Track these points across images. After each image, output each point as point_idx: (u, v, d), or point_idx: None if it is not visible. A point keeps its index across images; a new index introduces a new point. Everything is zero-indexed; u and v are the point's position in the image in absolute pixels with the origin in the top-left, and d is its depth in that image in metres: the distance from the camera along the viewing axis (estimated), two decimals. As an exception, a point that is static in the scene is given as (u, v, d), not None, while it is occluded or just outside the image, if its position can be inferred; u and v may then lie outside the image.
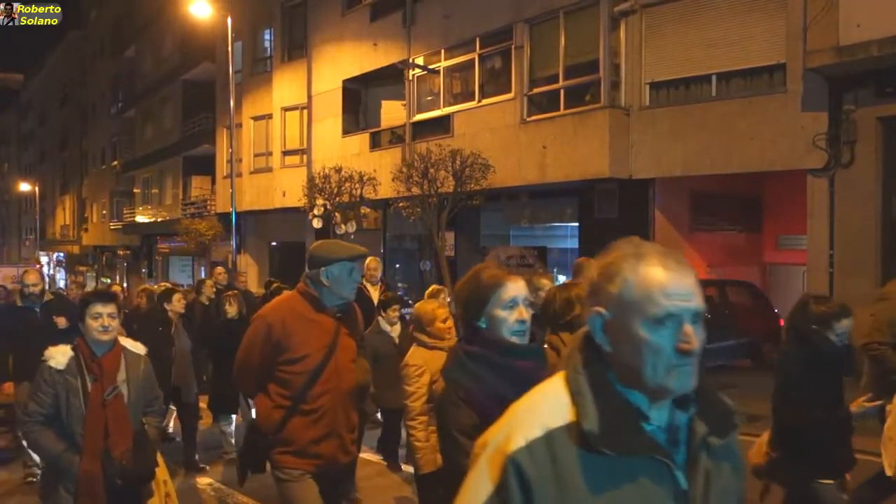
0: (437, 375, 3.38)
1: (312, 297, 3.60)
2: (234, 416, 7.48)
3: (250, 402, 6.51)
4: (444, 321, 4.44)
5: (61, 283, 44.82)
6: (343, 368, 3.60)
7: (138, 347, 3.81)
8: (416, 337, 4.47)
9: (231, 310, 7.17)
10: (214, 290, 9.59)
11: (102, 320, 3.55)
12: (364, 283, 8.08)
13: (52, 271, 50.39)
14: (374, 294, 8.24)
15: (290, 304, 3.65)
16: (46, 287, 7.43)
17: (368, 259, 8.34)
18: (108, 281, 36.50)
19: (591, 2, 13.22)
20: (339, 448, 3.61)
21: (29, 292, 6.67)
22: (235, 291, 8.08)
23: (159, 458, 3.86)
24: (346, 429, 3.66)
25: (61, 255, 51.82)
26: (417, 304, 4.88)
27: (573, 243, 15.21)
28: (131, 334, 6.84)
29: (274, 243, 25.02)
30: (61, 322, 6.40)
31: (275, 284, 9.84)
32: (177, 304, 7.30)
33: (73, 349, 3.58)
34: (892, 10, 9.60)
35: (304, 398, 3.49)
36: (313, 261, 3.63)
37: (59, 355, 3.54)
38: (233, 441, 7.34)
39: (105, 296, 3.70)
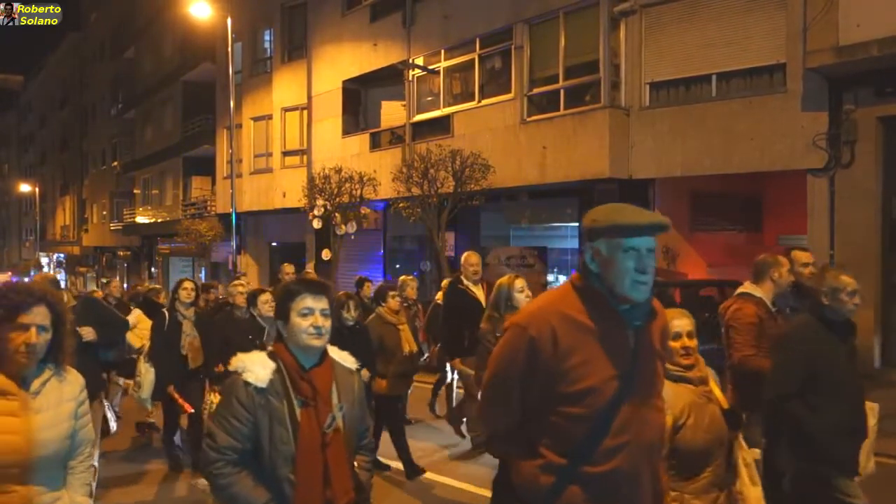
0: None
1: (593, 294, 2.31)
2: None
3: None
4: None
5: (62, 285, 44.80)
6: (646, 410, 2.35)
7: (347, 359, 2.84)
8: None
9: (349, 315, 6.23)
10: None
11: (315, 318, 2.61)
12: (465, 281, 7.34)
13: (52, 272, 50.39)
14: (480, 294, 7.30)
15: (559, 304, 2.35)
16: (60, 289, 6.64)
17: (466, 254, 7.50)
18: (106, 281, 36.49)
19: (591, 2, 13.22)
20: None
21: None
22: (351, 293, 7.27)
23: None
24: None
25: (61, 256, 51.85)
26: None
27: (573, 243, 15.19)
28: (225, 342, 6.26)
29: (274, 244, 25.02)
30: (87, 333, 5.42)
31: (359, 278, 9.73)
32: (265, 308, 6.19)
33: (273, 357, 2.64)
34: (892, 9, 9.60)
35: (588, 456, 2.27)
36: (589, 231, 2.35)
37: (257, 366, 2.58)
38: None
39: (317, 286, 2.70)
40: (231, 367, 2.60)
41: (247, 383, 2.54)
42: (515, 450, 2.41)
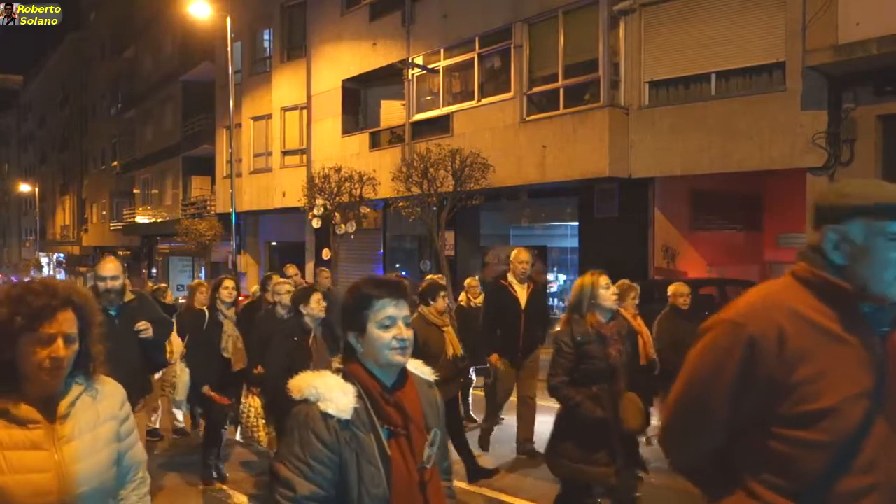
0: None
1: (834, 290, 1.80)
2: None
3: None
4: None
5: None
6: None
7: (422, 369, 2.38)
8: None
9: None
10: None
11: (398, 329, 2.12)
12: (509, 279, 6.99)
13: (51, 272, 50.42)
14: (522, 295, 6.94)
15: (787, 298, 1.82)
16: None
17: (516, 251, 7.20)
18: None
19: (590, 1, 13.22)
20: None
21: (106, 289, 4.81)
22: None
23: None
24: None
25: (61, 255, 51.85)
26: None
27: (573, 242, 15.21)
28: (264, 344, 5.85)
29: (274, 243, 25.02)
30: (145, 328, 4.87)
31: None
32: (316, 308, 5.48)
33: (348, 379, 2.11)
34: (892, 8, 9.60)
35: (826, 495, 1.72)
36: (833, 209, 1.83)
37: (337, 393, 2.05)
38: None
39: (397, 289, 2.20)
40: (299, 394, 2.07)
41: (327, 415, 2.01)
42: (715, 488, 1.86)
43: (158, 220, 31.75)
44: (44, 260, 53.72)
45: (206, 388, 6.36)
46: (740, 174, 12.43)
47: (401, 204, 15.02)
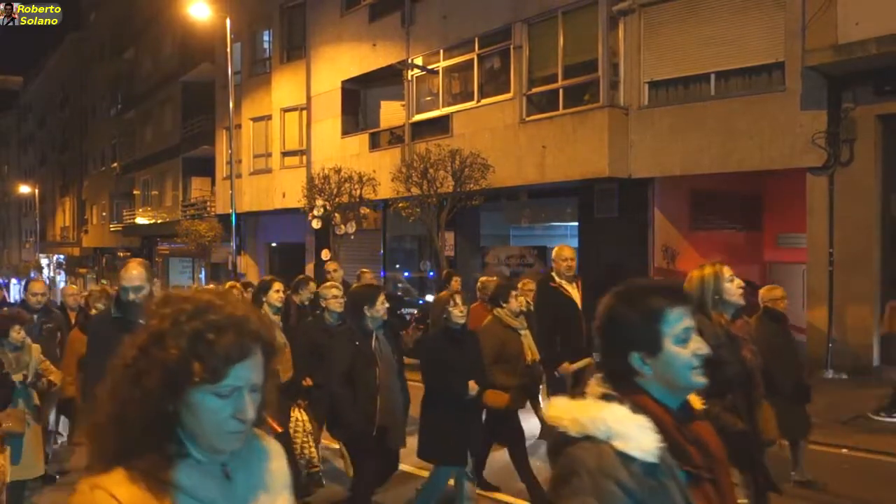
0: None
1: None
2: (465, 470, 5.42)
3: None
4: None
5: (61, 285, 44.83)
6: None
7: None
8: None
9: (459, 313, 5.20)
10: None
11: (697, 344, 1.76)
12: (557, 279, 6.57)
13: (52, 273, 50.40)
14: (575, 294, 6.53)
15: None
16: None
17: (558, 248, 6.73)
18: (105, 282, 36.47)
19: (590, 1, 13.22)
20: None
21: (129, 300, 4.19)
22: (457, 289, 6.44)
23: None
24: None
25: (61, 257, 51.83)
26: None
27: (573, 243, 15.12)
28: (312, 352, 5.62)
29: (274, 244, 25.02)
30: None
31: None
32: (381, 309, 5.00)
33: (636, 409, 1.63)
34: (891, 8, 9.61)
35: None
36: None
37: (632, 428, 1.58)
38: None
39: (683, 293, 1.86)
40: (579, 430, 1.60)
41: (628, 458, 1.55)
42: None
43: (158, 222, 31.75)
44: (44, 261, 53.69)
45: None
46: (740, 174, 12.44)
47: (401, 205, 15.02)
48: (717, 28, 11.99)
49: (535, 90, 14.47)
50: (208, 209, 26.73)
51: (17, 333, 5.31)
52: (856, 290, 10.49)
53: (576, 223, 14.91)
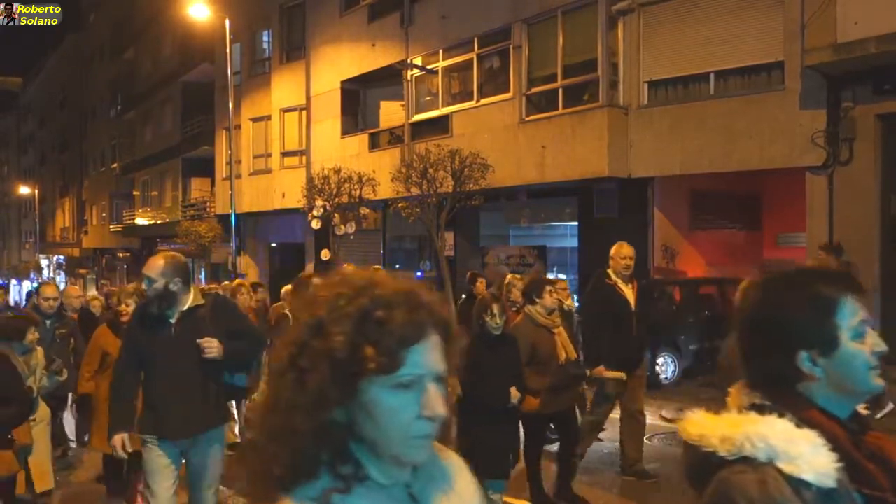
0: None
1: None
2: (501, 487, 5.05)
3: None
4: None
5: (61, 286, 44.78)
6: None
7: None
8: None
9: (495, 322, 4.93)
10: None
11: (874, 339, 1.45)
12: (613, 276, 6.25)
13: (52, 274, 50.40)
14: (630, 295, 6.21)
15: None
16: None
17: (618, 245, 6.42)
18: (107, 283, 36.51)
19: (589, 1, 13.22)
20: None
21: (150, 295, 4.17)
22: (496, 294, 6.31)
23: None
24: None
25: (61, 258, 51.82)
26: None
27: (572, 242, 15.20)
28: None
29: (274, 244, 25.01)
30: (212, 347, 3.96)
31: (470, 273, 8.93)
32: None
33: (801, 424, 1.34)
34: (890, 6, 9.60)
35: None
36: None
37: (805, 448, 1.29)
38: None
39: (855, 280, 1.52)
40: (731, 449, 1.31)
41: (802, 483, 1.27)
42: None
43: (158, 222, 31.74)
44: (43, 262, 53.68)
45: None
46: (739, 174, 12.44)
47: (400, 205, 15.01)
48: (717, 27, 11.99)
49: (534, 90, 14.46)
50: (208, 209, 26.74)
51: (32, 335, 5.17)
52: (855, 289, 10.48)
53: (575, 223, 14.91)
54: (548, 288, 5.62)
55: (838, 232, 10.72)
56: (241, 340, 4.16)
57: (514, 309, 6.68)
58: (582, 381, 6.28)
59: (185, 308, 4.05)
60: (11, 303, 11.86)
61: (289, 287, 9.91)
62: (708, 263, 13.99)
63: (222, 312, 4.21)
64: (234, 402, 6.91)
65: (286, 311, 5.96)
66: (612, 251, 6.38)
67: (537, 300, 5.55)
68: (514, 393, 4.83)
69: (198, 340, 3.92)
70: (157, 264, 4.07)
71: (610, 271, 6.25)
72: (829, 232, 10.83)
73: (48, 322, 6.58)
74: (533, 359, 5.36)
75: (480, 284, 8.74)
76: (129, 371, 4.15)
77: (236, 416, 7.51)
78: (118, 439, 4.08)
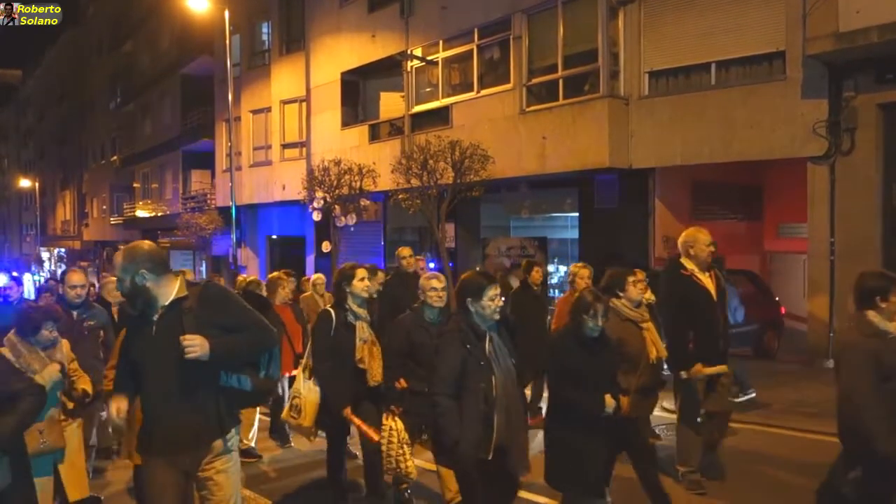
0: None
1: None
2: None
3: None
4: None
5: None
6: None
7: None
8: None
9: (595, 325, 4.37)
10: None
11: None
12: (688, 266, 5.59)
13: (53, 267, 50.44)
14: (710, 285, 5.56)
15: None
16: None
17: (694, 230, 5.74)
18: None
19: (590, -9, 13.16)
20: None
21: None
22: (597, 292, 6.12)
23: None
24: None
25: (62, 250, 51.86)
26: None
27: (573, 234, 15.19)
28: (408, 353, 5.10)
29: (274, 236, 25.01)
30: (196, 346, 3.34)
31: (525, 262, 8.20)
32: (488, 303, 4.10)
33: None
34: (892, -5, 9.55)
35: None
36: None
37: None
38: None
39: None
40: None
41: None
42: None
43: (159, 215, 31.76)
44: (45, 255, 53.72)
45: (347, 412, 5.09)
46: (741, 164, 12.41)
47: (401, 196, 14.99)
48: (718, 17, 11.93)
49: (534, 81, 14.42)
50: (208, 202, 26.74)
51: (48, 332, 4.73)
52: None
53: (576, 214, 14.89)
54: (630, 279, 5.21)
55: (839, 222, 10.71)
56: (240, 334, 3.51)
57: None
58: (664, 384, 5.70)
59: (167, 303, 3.47)
60: (26, 296, 11.14)
61: (320, 276, 9.84)
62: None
63: (212, 304, 3.51)
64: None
65: (328, 308, 5.37)
66: (689, 238, 5.63)
67: (620, 293, 5.19)
68: (609, 401, 4.28)
69: (180, 338, 3.30)
70: (116, 261, 3.63)
71: (683, 260, 5.60)
72: (830, 221, 10.82)
73: (75, 313, 6.09)
74: (621, 357, 4.92)
75: (536, 273, 8.10)
76: (122, 386, 3.67)
77: (255, 420, 7.18)
78: (114, 406, 3.58)
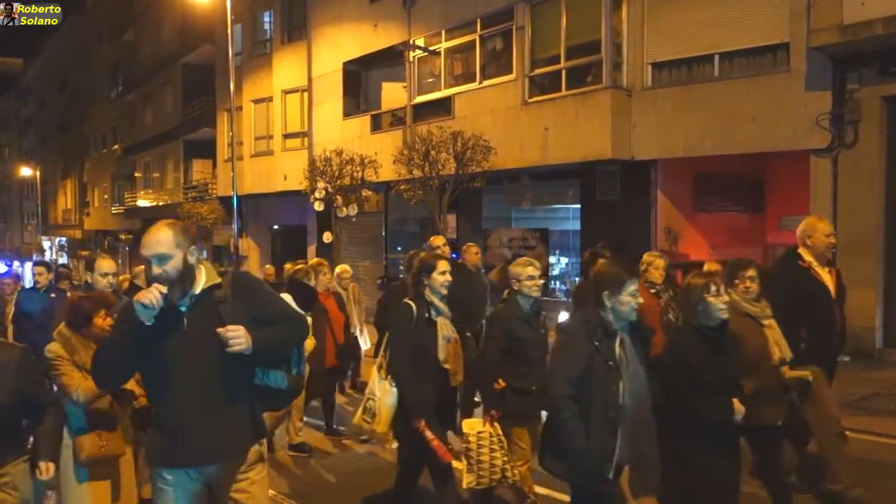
0: None
1: None
2: None
3: None
4: None
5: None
6: None
7: None
8: None
9: (719, 304, 3.87)
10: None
11: None
12: (808, 259, 5.15)
13: (54, 256, 50.48)
14: (829, 281, 5.12)
15: None
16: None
17: (813, 219, 5.33)
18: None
19: (593, -19, 13.10)
20: None
21: (153, 276, 3.02)
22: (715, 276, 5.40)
23: None
24: None
25: (63, 239, 51.89)
26: None
27: (575, 225, 15.17)
28: (507, 349, 4.73)
29: (275, 227, 25.01)
30: (239, 338, 2.95)
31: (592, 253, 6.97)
32: (627, 300, 3.63)
33: None
34: (897, -13, 9.50)
35: None
36: None
37: None
38: None
39: None
40: None
41: None
42: None
43: (160, 204, 31.75)
44: (46, 244, 53.77)
45: (421, 426, 4.38)
46: (743, 156, 12.39)
47: (402, 187, 14.99)
48: (721, 8, 11.89)
49: (537, 71, 14.37)
50: (210, 192, 26.72)
51: (102, 320, 4.08)
52: (859, 272, 10.44)
53: (578, 205, 14.87)
54: (742, 273, 4.54)
55: (842, 214, 10.68)
56: (276, 327, 3.14)
57: (653, 291, 5.88)
58: (788, 388, 4.81)
59: (199, 291, 3.04)
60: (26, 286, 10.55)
61: (346, 268, 9.78)
62: (711, 246, 13.96)
63: (246, 293, 3.13)
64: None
65: (408, 301, 4.74)
66: (807, 227, 5.17)
67: (735, 284, 4.53)
68: (739, 406, 3.79)
69: (218, 330, 2.90)
70: (164, 237, 2.98)
71: (801, 251, 5.13)
72: (832, 214, 10.79)
73: None
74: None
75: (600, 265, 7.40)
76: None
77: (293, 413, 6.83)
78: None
